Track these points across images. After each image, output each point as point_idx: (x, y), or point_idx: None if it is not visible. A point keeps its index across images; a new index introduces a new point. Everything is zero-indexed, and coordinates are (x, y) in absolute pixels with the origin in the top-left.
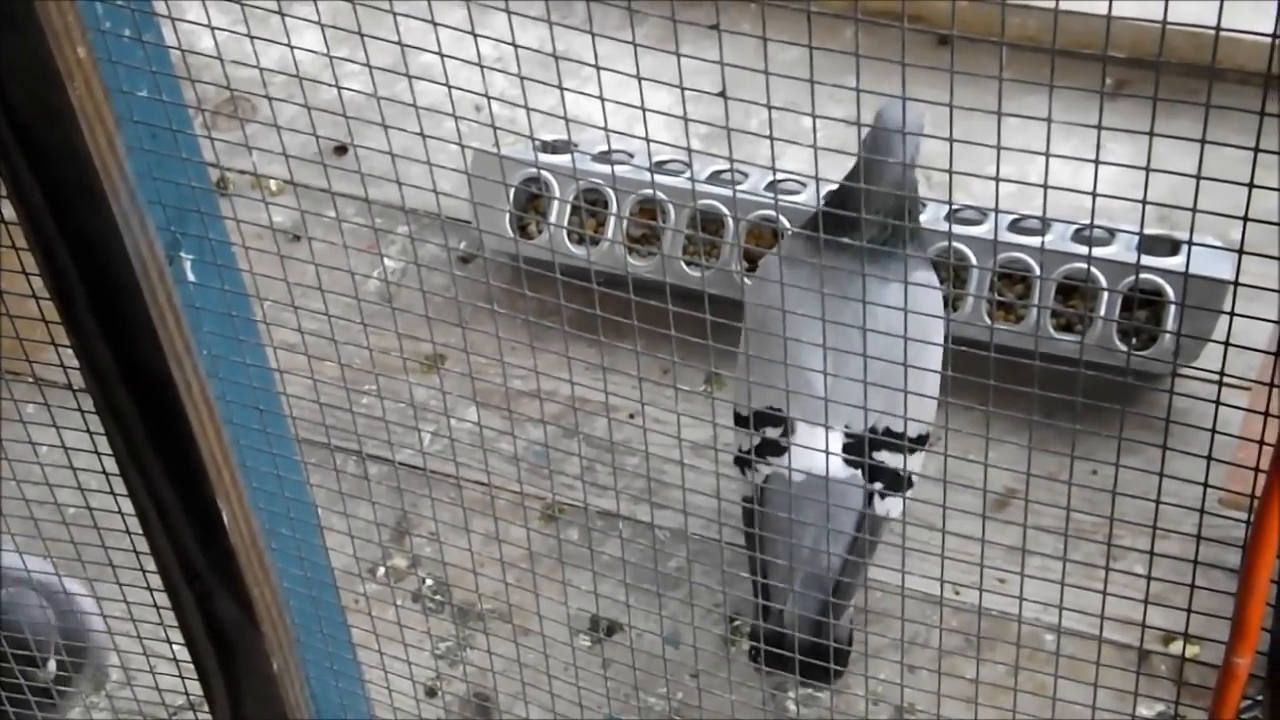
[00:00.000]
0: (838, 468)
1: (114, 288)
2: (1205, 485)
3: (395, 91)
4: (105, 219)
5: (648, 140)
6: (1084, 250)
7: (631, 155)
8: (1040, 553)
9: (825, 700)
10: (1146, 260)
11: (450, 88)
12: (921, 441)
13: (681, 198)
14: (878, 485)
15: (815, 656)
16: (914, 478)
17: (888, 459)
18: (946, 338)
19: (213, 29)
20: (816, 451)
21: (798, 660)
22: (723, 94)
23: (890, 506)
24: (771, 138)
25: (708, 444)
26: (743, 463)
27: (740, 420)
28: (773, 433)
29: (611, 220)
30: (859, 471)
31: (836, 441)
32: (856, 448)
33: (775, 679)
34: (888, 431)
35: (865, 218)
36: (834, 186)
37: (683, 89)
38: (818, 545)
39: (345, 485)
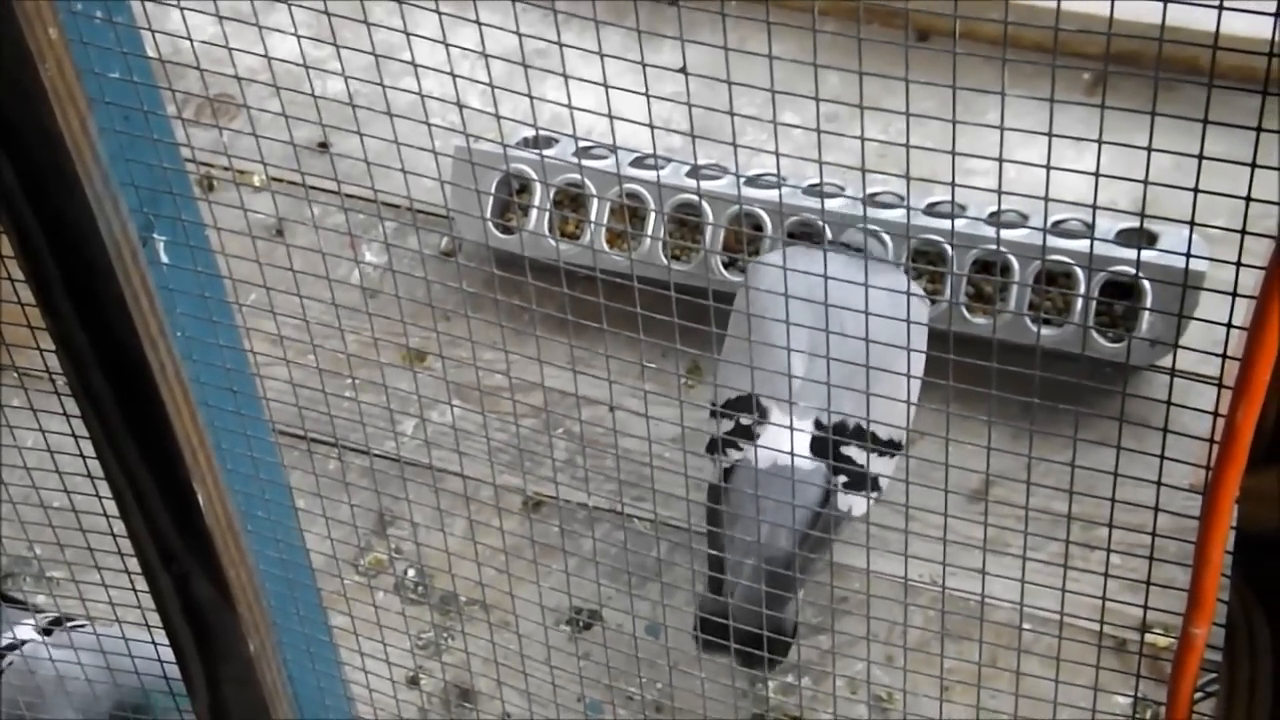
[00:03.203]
0: (802, 462)
1: (88, 270)
2: (1161, 457)
3: (377, 88)
4: (78, 201)
5: (613, 133)
6: (1058, 242)
7: (612, 150)
8: (1016, 545)
9: (802, 688)
10: (1123, 253)
11: (422, 76)
12: (894, 446)
13: (663, 193)
14: (841, 479)
15: (755, 643)
16: (882, 481)
17: (855, 455)
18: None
19: (185, 28)
20: (785, 439)
21: (733, 646)
22: (683, 70)
23: (853, 504)
24: (735, 144)
25: (692, 430)
26: (712, 447)
27: (722, 406)
28: (746, 419)
29: (591, 216)
30: (824, 466)
31: (805, 435)
32: (823, 443)
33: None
34: (858, 430)
35: (866, 228)
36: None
37: (644, 65)
38: (772, 534)
39: (326, 477)
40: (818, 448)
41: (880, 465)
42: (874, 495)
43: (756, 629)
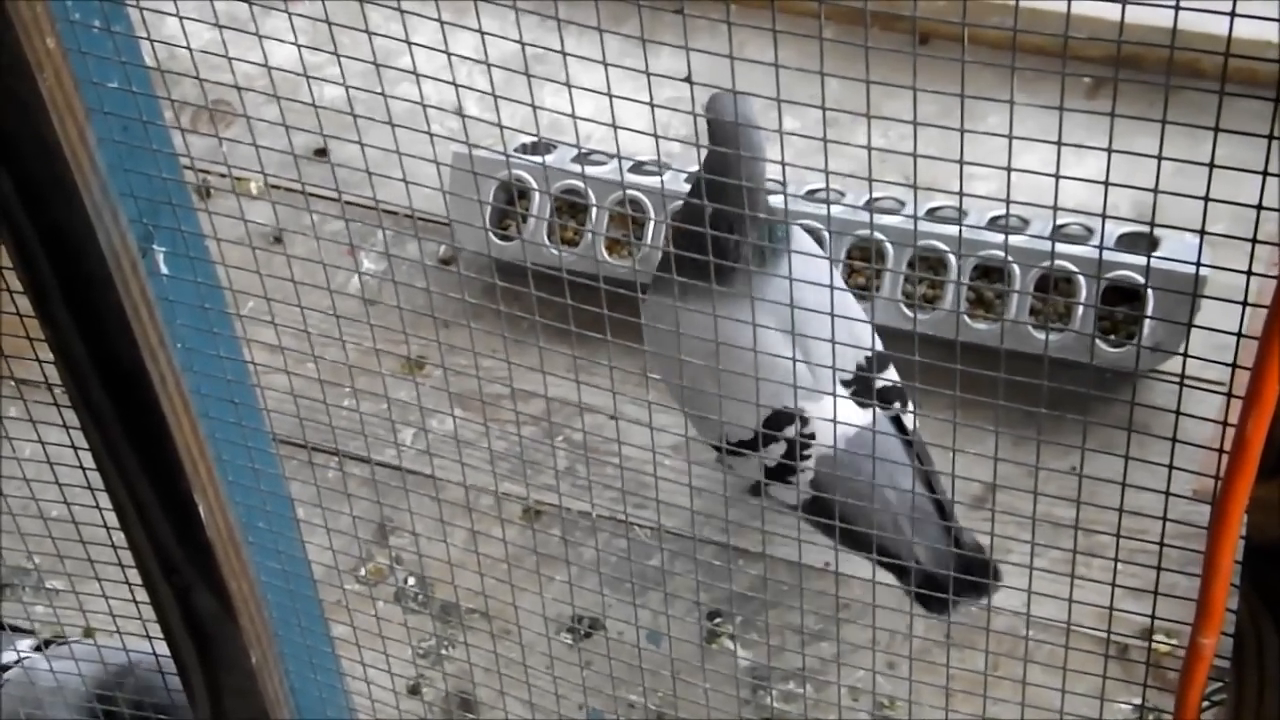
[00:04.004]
0: (864, 419)
1: (87, 281)
2: (1169, 466)
3: (374, 95)
4: (77, 211)
5: (617, 140)
6: (1061, 247)
7: (611, 156)
8: (1018, 551)
9: (805, 696)
10: (1127, 258)
11: (422, 83)
12: (885, 364)
13: (658, 197)
14: (896, 406)
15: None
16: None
17: (883, 380)
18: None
19: (184, 28)
20: (841, 416)
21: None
22: (688, 79)
23: (909, 422)
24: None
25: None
26: (780, 474)
27: (744, 444)
28: (791, 430)
29: (589, 220)
30: (875, 406)
31: (846, 402)
32: (859, 387)
33: (761, 674)
34: (869, 361)
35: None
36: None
37: (648, 73)
38: (901, 486)
39: (327, 486)
40: (861, 392)
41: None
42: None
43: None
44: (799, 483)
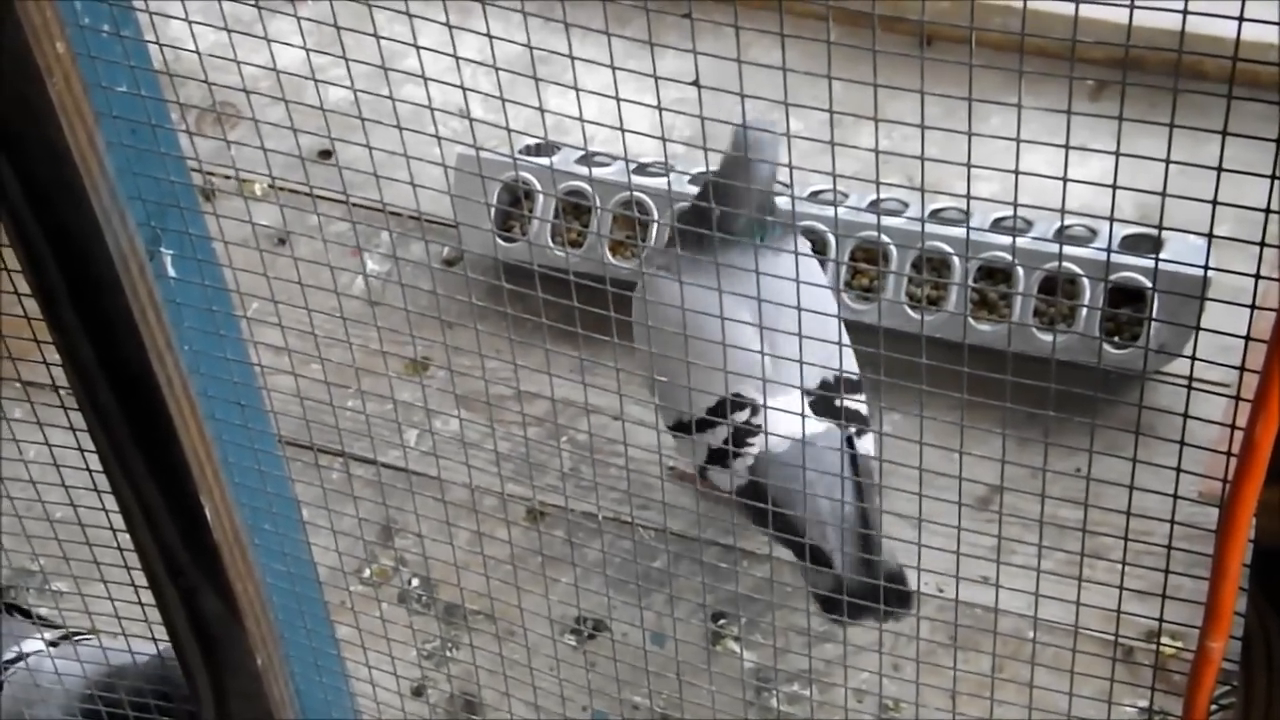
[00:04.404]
0: (814, 429)
1: (95, 284)
2: (1178, 470)
3: (379, 96)
4: (85, 215)
5: (624, 139)
6: (1066, 248)
7: (616, 157)
8: (1022, 553)
9: (810, 698)
10: (1132, 260)
11: (429, 85)
12: (858, 387)
13: (663, 199)
14: (852, 427)
15: (870, 596)
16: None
17: (850, 402)
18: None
19: (192, 32)
20: (789, 415)
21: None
22: (695, 83)
23: (866, 444)
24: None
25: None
26: (718, 458)
27: (683, 426)
28: (741, 417)
29: (594, 222)
30: (833, 425)
31: (804, 403)
32: (819, 403)
33: (760, 672)
34: (836, 381)
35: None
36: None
37: (656, 78)
38: (834, 496)
39: (331, 487)
40: (819, 409)
41: (864, 406)
42: (871, 431)
43: (877, 581)
44: (738, 468)
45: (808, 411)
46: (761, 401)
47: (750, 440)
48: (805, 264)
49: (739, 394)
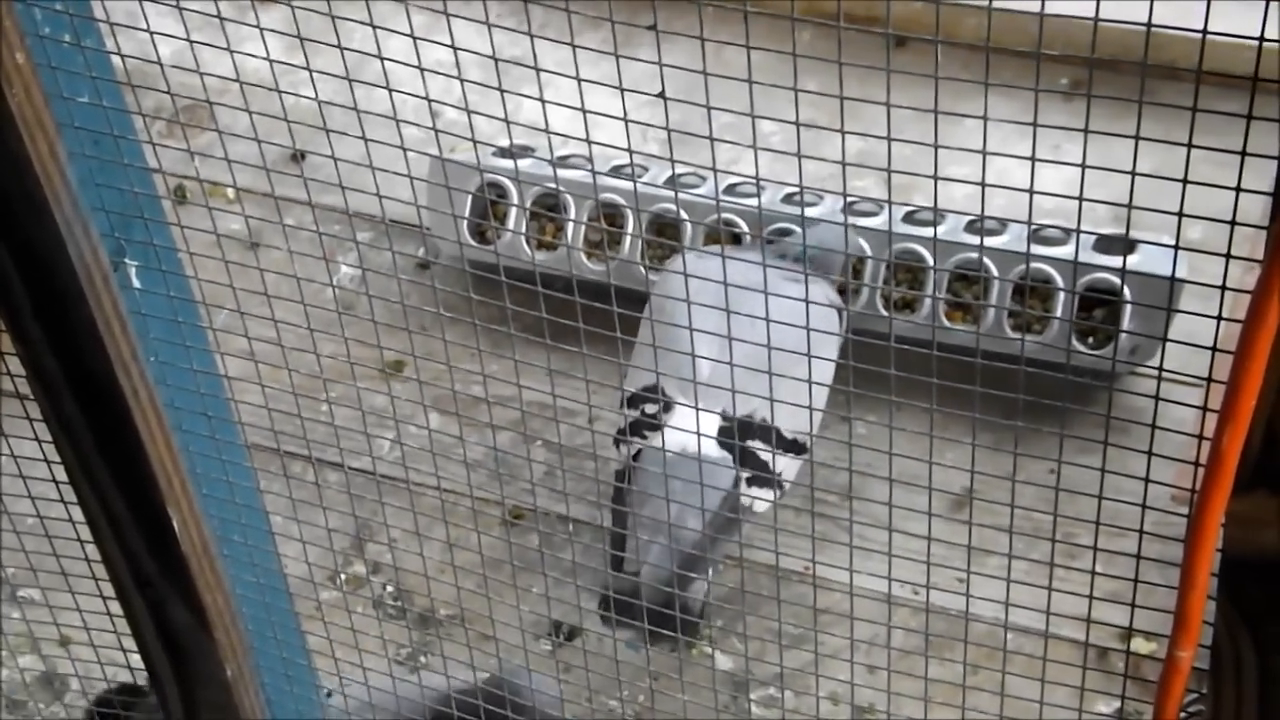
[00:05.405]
0: (710, 448)
1: (59, 295)
2: (1146, 480)
3: (352, 98)
4: (48, 226)
5: (590, 143)
6: (1038, 249)
7: (589, 160)
8: (999, 552)
9: (783, 702)
10: (1105, 260)
11: (396, 93)
12: (797, 448)
13: (638, 202)
14: (746, 472)
15: (664, 622)
16: (785, 482)
17: (760, 449)
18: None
19: (152, 37)
20: (691, 427)
21: (645, 621)
22: (661, 95)
23: (756, 498)
24: (713, 147)
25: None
26: (619, 439)
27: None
28: (650, 409)
29: (570, 225)
30: (730, 455)
31: (712, 424)
32: (730, 433)
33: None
34: (763, 426)
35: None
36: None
37: (622, 90)
38: (680, 517)
39: (302, 494)
40: (725, 438)
41: (783, 464)
42: (777, 494)
43: (664, 607)
44: (624, 451)
45: (709, 432)
46: (678, 401)
47: (645, 433)
48: (817, 309)
49: (662, 388)
